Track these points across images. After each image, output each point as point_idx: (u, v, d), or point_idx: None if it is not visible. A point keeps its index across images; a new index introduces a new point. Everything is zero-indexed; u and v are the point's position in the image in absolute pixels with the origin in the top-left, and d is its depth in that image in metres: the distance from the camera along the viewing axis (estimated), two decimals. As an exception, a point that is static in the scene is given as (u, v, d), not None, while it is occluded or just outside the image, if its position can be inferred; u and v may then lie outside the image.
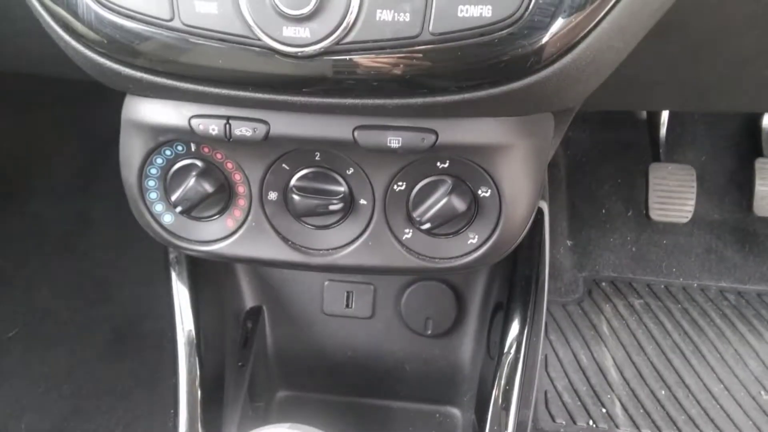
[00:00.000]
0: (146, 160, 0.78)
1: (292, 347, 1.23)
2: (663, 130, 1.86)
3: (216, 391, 1.07)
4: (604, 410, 1.44)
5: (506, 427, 1.01)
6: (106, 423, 1.45)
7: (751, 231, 1.83)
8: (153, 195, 0.80)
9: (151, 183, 0.79)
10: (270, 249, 0.81)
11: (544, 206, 1.07)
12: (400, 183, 0.76)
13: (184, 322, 1.05)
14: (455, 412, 1.24)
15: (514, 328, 1.05)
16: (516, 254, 1.07)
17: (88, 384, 1.52)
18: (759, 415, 1.42)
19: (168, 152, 0.77)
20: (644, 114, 1.93)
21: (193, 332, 1.05)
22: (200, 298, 1.07)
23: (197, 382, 1.02)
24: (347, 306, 1.19)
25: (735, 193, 1.86)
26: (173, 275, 1.07)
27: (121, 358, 1.57)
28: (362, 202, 0.78)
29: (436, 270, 0.81)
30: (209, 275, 1.11)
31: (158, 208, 0.81)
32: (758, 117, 1.87)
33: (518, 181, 0.75)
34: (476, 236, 0.78)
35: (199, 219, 0.82)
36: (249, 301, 1.21)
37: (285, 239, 0.81)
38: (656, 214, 1.75)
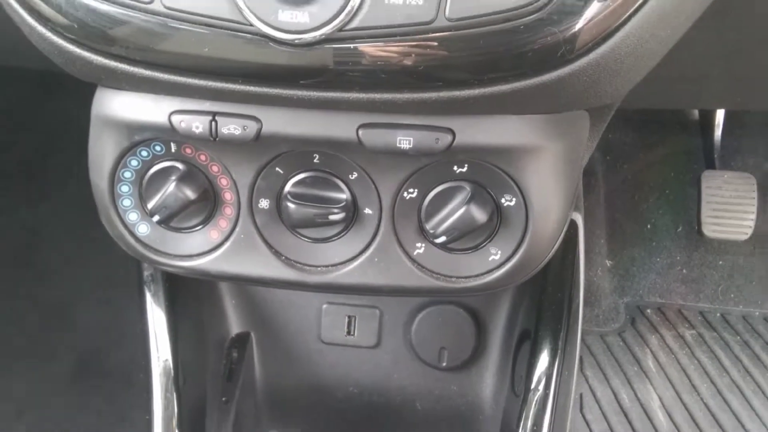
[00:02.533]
0: (119, 162, 0.79)
1: (284, 380, 1.24)
2: (718, 133, 1.87)
3: (196, 430, 1.08)
4: (649, 460, 1.44)
5: None
6: (65, 470, 1.46)
7: (822, 251, 1.83)
8: (126, 202, 0.82)
9: (125, 188, 0.81)
10: (260, 265, 0.82)
11: (579, 219, 1.08)
12: (410, 190, 0.77)
13: (160, 351, 1.06)
14: (474, 458, 1.24)
15: (543, 360, 1.06)
16: (545, 274, 1.08)
17: (45, 424, 1.53)
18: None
19: (144, 153, 0.79)
20: (696, 114, 1.94)
21: (170, 362, 1.06)
22: (179, 323, 1.09)
23: (174, 421, 1.03)
24: (348, 333, 1.20)
25: (804, 206, 1.86)
26: (148, 296, 1.08)
27: (84, 394, 1.58)
28: (367, 211, 0.79)
29: (453, 291, 0.81)
30: (189, 296, 1.13)
31: (132, 217, 0.83)
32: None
33: (548, 189, 0.76)
34: (499, 252, 0.79)
35: (179, 230, 0.83)
36: (235, 327, 1.22)
37: (278, 254, 0.82)
38: (710, 230, 1.75)
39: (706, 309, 1.74)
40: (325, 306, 1.20)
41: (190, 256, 0.84)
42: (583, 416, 1.50)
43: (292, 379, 1.23)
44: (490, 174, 0.75)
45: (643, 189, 1.90)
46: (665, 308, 1.74)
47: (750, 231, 1.75)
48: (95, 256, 1.70)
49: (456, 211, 0.75)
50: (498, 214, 0.77)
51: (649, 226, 1.87)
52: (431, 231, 0.77)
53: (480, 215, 0.75)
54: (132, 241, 0.84)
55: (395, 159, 0.75)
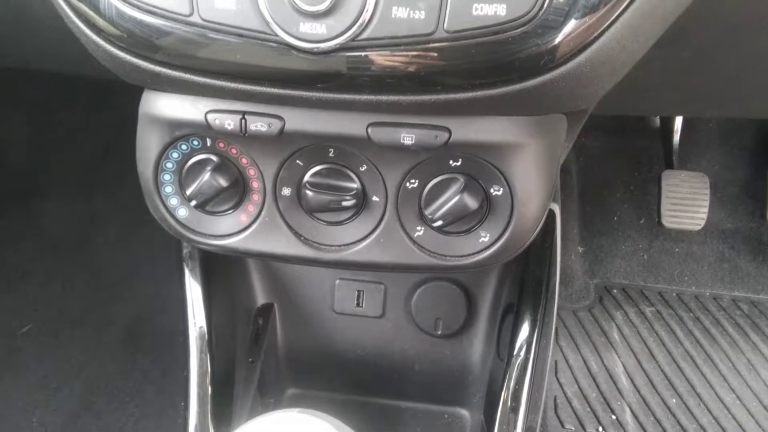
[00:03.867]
0: (162, 154, 0.79)
1: (302, 344, 1.23)
2: (676, 138, 1.86)
3: (226, 386, 1.08)
4: (613, 417, 1.43)
5: (515, 430, 1.01)
6: (117, 419, 1.46)
7: (764, 241, 1.82)
8: (168, 189, 0.81)
9: (167, 177, 0.80)
10: (282, 244, 0.82)
11: (556, 208, 1.07)
12: (412, 180, 0.76)
13: (196, 318, 1.06)
14: (464, 413, 1.23)
15: (525, 330, 1.05)
16: (527, 255, 1.07)
17: (100, 381, 1.54)
18: (771, 425, 1.42)
19: (184, 147, 0.78)
20: (657, 121, 1.94)
21: (205, 328, 1.06)
22: (212, 294, 1.08)
23: (208, 378, 1.03)
24: (358, 305, 1.19)
25: (748, 202, 1.85)
26: (186, 271, 1.08)
27: (133, 355, 1.58)
28: (375, 198, 0.78)
29: (447, 268, 0.81)
30: (222, 271, 1.12)
31: (173, 201, 0.82)
32: (772, 126, 1.87)
33: (530, 181, 0.75)
34: (488, 234, 0.78)
35: (213, 213, 0.82)
36: (260, 298, 1.21)
37: (297, 234, 0.82)
38: (669, 221, 1.74)
39: (663, 289, 1.73)
40: (337, 281, 1.19)
41: (223, 236, 0.83)
42: (558, 379, 1.49)
43: (309, 344, 1.23)
44: (481, 167, 0.74)
45: (611, 186, 1.89)
46: (629, 288, 1.73)
47: (703, 222, 1.74)
48: (142, 239, 1.71)
49: (451, 199, 0.75)
50: (487, 202, 0.76)
51: (615, 218, 1.86)
52: (429, 216, 0.77)
53: (472, 203, 0.75)
54: (173, 222, 0.83)
55: (399, 153, 0.74)
